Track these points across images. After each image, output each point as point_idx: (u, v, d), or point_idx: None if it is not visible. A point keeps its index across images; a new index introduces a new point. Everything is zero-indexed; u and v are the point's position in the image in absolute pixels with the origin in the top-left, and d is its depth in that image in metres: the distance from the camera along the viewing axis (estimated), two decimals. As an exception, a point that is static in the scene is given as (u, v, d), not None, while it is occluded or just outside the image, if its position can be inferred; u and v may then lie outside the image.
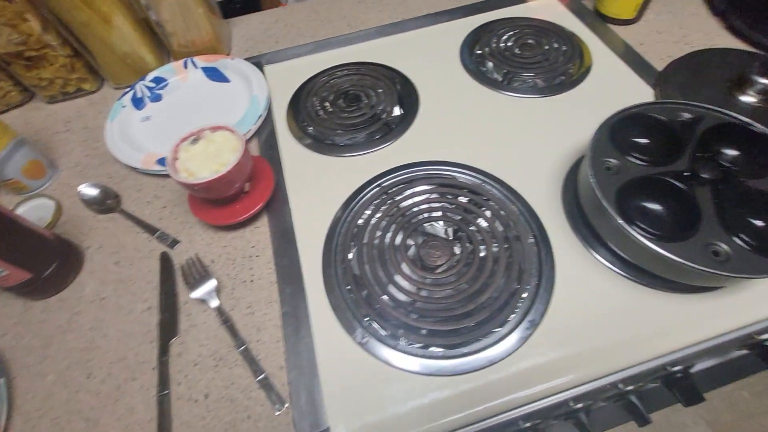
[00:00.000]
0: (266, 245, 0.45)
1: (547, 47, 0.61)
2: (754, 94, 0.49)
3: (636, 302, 0.39)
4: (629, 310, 0.38)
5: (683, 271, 0.34)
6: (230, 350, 0.39)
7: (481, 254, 0.41)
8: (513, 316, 0.39)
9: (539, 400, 0.36)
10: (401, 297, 0.40)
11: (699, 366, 0.46)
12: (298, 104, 0.57)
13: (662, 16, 0.64)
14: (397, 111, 0.56)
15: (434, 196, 0.46)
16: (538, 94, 0.56)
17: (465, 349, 0.37)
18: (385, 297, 0.40)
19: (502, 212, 0.44)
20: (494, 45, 0.61)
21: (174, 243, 0.46)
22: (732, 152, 0.42)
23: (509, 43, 0.61)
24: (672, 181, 0.38)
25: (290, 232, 0.46)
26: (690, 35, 0.61)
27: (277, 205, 0.48)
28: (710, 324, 0.38)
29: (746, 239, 0.34)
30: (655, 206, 0.39)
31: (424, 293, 0.40)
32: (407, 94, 0.57)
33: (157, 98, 0.60)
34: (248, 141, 0.54)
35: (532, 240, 0.43)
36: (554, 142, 0.50)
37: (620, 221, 0.35)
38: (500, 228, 0.43)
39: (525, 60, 0.59)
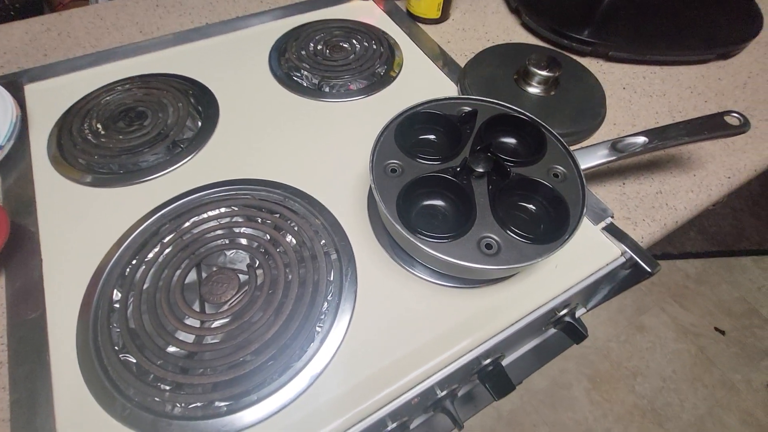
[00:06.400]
0: None
1: (358, 48, 0.59)
2: (536, 84, 0.52)
3: (440, 304, 0.37)
4: (434, 313, 0.37)
5: (460, 268, 0.33)
6: (-70, 471, 0.29)
7: (274, 281, 0.37)
8: (311, 344, 0.35)
9: (352, 427, 0.33)
10: (175, 350, 0.33)
11: (519, 352, 0.47)
12: (63, 130, 0.47)
13: (467, 15, 0.67)
14: (193, 126, 0.49)
15: (226, 220, 0.41)
16: (348, 97, 0.54)
17: (255, 396, 0.32)
18: (166, 351, 0.33)
19: (302, 230, 0.40)
20: (303, 49, 0.58)
21: None
22: (509, 142, 0.43)
23: (319, 47, 0.59)
24: (448, 177, 0.37)
25: (38, 291, 0.36)
26: (491, 32, 0.64)
27: (21, 259, 0.38)
28: (509, 311, 0.38)
29: (513, 228, 0.34)
30: (439, 205, 0.39)
31: (207, 340, 0.34)
32: (206, 107, 0.51)
33: None
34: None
35: (334, 256, 0.40)
36: (362, 147, 0.48)
37: (395, 224, 0.33)
38: (297, 248, 0.39)
39: (335, 63, 0.57)
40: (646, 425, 1.23)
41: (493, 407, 1.24)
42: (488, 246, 0.34)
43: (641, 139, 0.41)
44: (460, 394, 0.43)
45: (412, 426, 0.40)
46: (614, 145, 0.42)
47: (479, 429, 1.19)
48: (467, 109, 0.43)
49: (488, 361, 0.39)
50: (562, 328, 0.44)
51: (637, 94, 0.57)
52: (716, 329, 1.43)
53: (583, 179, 0.38)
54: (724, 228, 1.68)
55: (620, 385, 1.30)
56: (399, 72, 0.57)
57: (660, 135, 0.42)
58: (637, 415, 1.24)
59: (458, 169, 0.37)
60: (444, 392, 0.38)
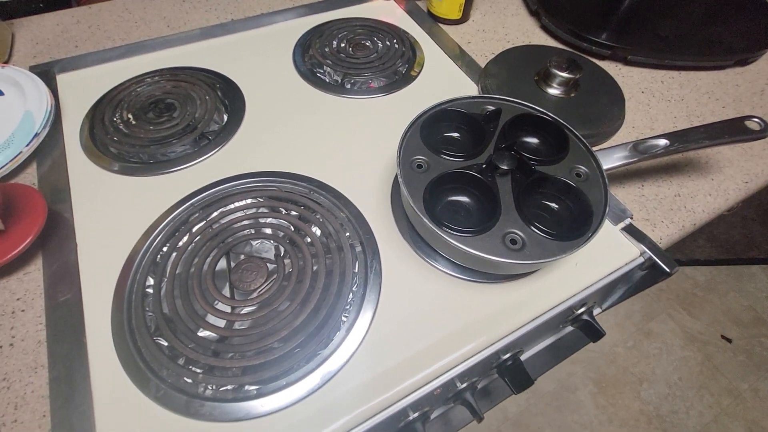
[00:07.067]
0: (37, 295, 0.36)
1: (381, 47, 0.60)
2: (556, 86, 0.53)
3: (462, 298, 0.38)
4: (456, 306, 0.38)
5: (484, 262, 0.34)
6: (-27, 442, 0.30)
7: (301, 270, 0.38)
8: (338, 333, 0.36)
9: (372, 417, 0.34)
10: (207, 334, 0.35)
11: (535, 349, 0.48)
12: (95, 119, 0.48)
13: (487, 17, 0.68)
14: (219, 119, 0.50)
15: (252, 211, 0.42)
16: (371, 94, 0.55)
17: (284, 381, 0.33)
18: (198, 335, 0.34)
19: (328, 222, 0.41)
20: (327, 46, 0.59)
21: None
22: (532, 141, 0.44)
23: (342, 44, 0.60)
24: (474, 173, 0.38)
25: (73, 274, 0.37)
26: (511, 34, 0.65)
27: (57, 243, 0.39)
28: (530, 307, 0.38)
29: (538, 225, 0.35)
30: (463, 200, 0.40)
31: (237, 325, 0.35)
32: (232, 101, 0.52)
33: None
34: (21, 167, 0.44)
35: (359, 248, 0.41)
36: (386, 143, 0.49)
37: (423, 217, 0.34)
38: (324, 239, 0.40)
39: (358, 60, 0.58)
40: None
41: (499, 408, 1.24)
42: (513, 241, 0.34)
43: (663, 142, 0.42)
44: (479, 387, 0.43)
45: (432, 416, 0.41)
46: (636, 147, 0.42)
47: (485, 429, 1.20)
48: (491, 108, 0.43)
49: (508, 355, 0.40)
50: (579, 327, 0.45)
51: (656, 98, 0.58)
52: (723, 337, 1.43)
53: (606, 179, 0.39)
54: (733, 236, 1.68)
55: (626, 391, 1.30)
56: (420, 71, 0.58)
57: (681, 138, 0.42)
58: (643, 421, 1.24)
59: (483, 166, 0.38)
60: (464, 384, 0.39)
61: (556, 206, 0.39)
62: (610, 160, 0.42)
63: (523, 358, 0.46)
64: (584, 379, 1.33)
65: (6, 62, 0.54)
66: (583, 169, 0.40)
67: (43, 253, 0.39)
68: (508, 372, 0.40)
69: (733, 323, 1.46)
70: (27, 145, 0.43)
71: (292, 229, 0.41)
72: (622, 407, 1.27)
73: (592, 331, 0.43)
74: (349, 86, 0.56)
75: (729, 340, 1.42)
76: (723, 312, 1.49)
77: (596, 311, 0.49)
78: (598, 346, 1.41)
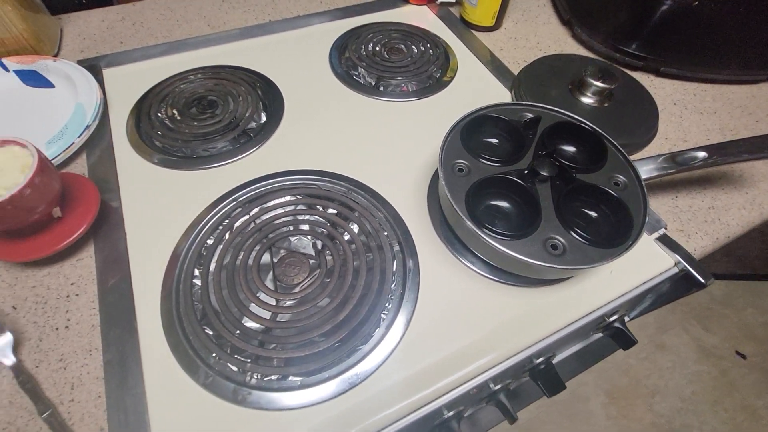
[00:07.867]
0: (90, 281, 0.38)
1: (415, 51, 0.61)
2: (590, 95, 0.53)
3: (498, 300, 0.39)
4: (492, 308, 0.38)
5: (525, 266, 0.34)
6: (31, 418, 0.31)
7: (342, 267, 0.39)
8: (377, 330, 0.37)
9: (411, 413, 0.34)
10: (252, 325, 0.36)
11: (562, 355, 0.48)
12: (141, 113, 0.50)
13: (519, 25, 0.69)
14: (258, 118, 0.52)
15: (291, 208, 0.43)
16: (406, 97, 0.56)
17: (326, 374, 0.34)
18: (245, 325, 0.35)
19: (366, 221, 0.42)
20: (363, 49, 0.60)
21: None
22: (569, 149, 0.45)
23: (378, 48, 0.61)
24: (515, 179, 0.39)
25: (123, 262, 0.39)
26: (543, 42, 0.66)
27: (107, 231, 0.41)
28: (565, 312, 0.39)
29: (578, 231, 0.35)
30: (503, 205, 0.40)
31: (280, 318, 0.36)
32: (271, 100, 0.53)
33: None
34: (72, 157, 0.46)
35: (397, 247, 0.41)
36: (421, 146, 0.50)
37: (466, 220, 0.35)
38: (363, 238, 0.41)
39: (393, 64, 0.59)
40: (662, 445, 1.22)
41: (508, 414, 1.24)
42: (554, 246, 0.35)
43: (701, 154, 0.42)
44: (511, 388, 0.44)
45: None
46: (674, 158, 0.43)
47: (495, 435, 1.20)
48: (529, 115, 0.44)
49: (541, 359, 0.41)
50: (611, 334, 0.45)
51: (688, 111, 0.58)
52: (738, 353, 1.41)
53: (645, 189, 0.39)
54: (752, 251, 1.65)
55: (638, 403, 1.28)
56: (453, 76, 0.59)
57: (720, 151, 0.42)
58: (654, 434, 1.23)
59: (525, 172, 0.39)
60: (498, 386, 0.39)
61: (595, 214, 0.40)
62: (648, 170, 0.42)
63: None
64: (596, 389, 1.32)
65: (56, 56, 0.56)
66: (621, 178, 0.40)
67: (95, 240, 0.40)
68: (541, 375, 0.41)
69: (749, 339, 1.44)
70: (79, 136, 0.45)
71: (330, 225, 0.42)
72: (634, 419, 1.26)
73: (623, 339, 0.44)
74: (382, 89, 0.57)
75: (744, 356, 1.40)
76: (739, 327, 1.47)
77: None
78: (611, 357, 1.40)
